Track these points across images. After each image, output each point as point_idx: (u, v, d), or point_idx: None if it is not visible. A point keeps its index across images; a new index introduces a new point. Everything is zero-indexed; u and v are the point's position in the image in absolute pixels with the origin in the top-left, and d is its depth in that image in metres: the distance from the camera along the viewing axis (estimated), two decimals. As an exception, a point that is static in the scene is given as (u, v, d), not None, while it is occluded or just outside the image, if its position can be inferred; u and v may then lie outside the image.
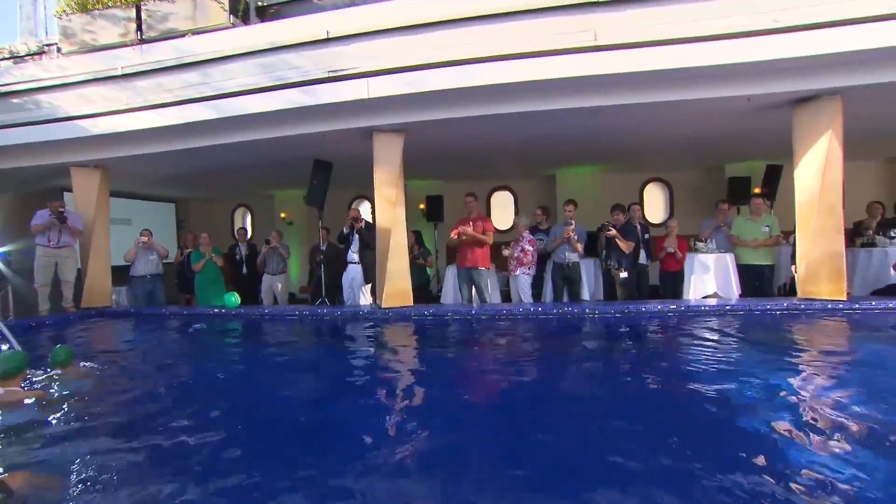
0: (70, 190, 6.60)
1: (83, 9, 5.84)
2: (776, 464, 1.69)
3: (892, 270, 4.85)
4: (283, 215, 9.45)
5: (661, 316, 4.71)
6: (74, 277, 6.04)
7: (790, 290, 5.62)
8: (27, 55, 6.87)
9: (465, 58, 4.41)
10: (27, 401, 2.48)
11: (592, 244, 5.89)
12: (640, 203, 8.13)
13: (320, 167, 5.85)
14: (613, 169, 8.33)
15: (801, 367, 3.01)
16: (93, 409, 2.51)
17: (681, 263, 5.67)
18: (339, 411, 2.52)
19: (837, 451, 1.77)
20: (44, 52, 6.66)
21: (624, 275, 5.36)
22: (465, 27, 4.44)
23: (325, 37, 4.67)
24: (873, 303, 4.42)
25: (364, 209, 8.25)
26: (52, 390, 2.72)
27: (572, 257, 5.43)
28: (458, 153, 6.55)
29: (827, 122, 4.38)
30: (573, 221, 5.39)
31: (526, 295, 5.45)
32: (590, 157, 7.38)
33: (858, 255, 5.35)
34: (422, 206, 8.59)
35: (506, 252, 5.63)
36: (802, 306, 4.47)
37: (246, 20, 5.75)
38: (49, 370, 2.95)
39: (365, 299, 5.80)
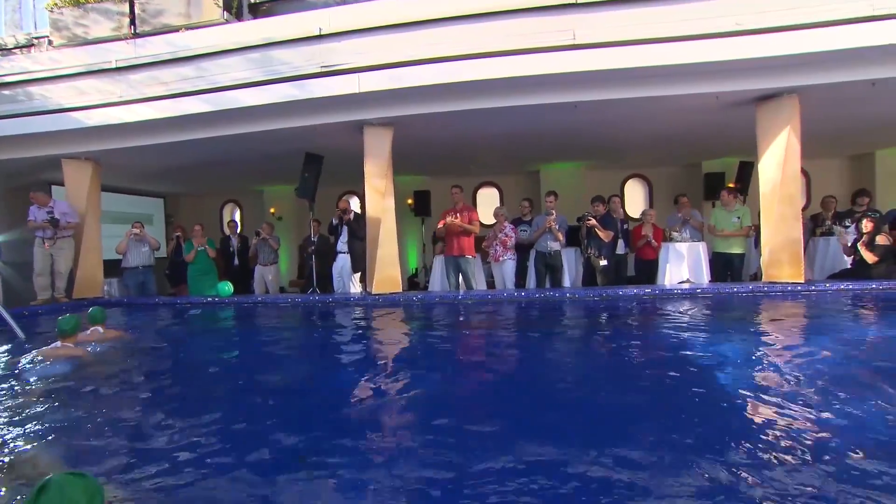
0: (59, 183, 6.65)
1: (75, 2, 5.92)
2: (738, 413, 1.95)
3: (845, 256, 5.24)
4: (272, 210, 9.56)
5: (638, 299, 5.01)
6: (68, 269, 6.10)
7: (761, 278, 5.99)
8: (15, 47, 6.90)
9: (451, 55, 4.65)
10: (81, 354, 3.08)
11: (575, 235, 6.17)
12: (621, 196, 8.46)
13: (311, 160, 6.02)
14: (595, 165, 8.65)
15: (761, 337, 3.31)
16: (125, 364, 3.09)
17: (656, 252, 5.99)
18: (342, 379, 2.74)
19: (788, 401, 2.01)
20: (33, 45, 6.69)
21: (603, 263, 5.64)
22: (451, 25, 4.69)
23: (317, 33, 4.86)
24: (827, 285, 4.80)
25: (353, 204, 8.43)
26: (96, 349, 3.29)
27: (554, 246, 5.71)
28: (445, 148, 6.78)
29: (786, 118, 4.73)
30: (554, 212, 5.66)
31: (510, 280, 5.71)
32: (572, 152, 7.68)
33: (818, 244, 5.75)
34: (409, 202, 8.80)
35: (485, 244, 5.89)
36: (766, 289, 4.81)
37: (239, 17, 5.90)
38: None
39: (354, 287, 5.99)
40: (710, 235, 5.96)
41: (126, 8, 5.84)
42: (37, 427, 1.98)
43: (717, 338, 3.24)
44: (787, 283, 4.75)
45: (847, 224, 5.57)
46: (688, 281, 5.68)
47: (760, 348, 2.96)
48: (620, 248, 6.18)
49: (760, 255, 5.21)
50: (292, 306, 5.56)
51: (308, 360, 3.26)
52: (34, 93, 5.73)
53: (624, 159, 8.39)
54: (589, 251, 5.77)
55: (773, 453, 1.50)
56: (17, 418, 2.07)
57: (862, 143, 7.37)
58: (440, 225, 5.65)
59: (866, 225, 4.92)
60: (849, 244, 5.12)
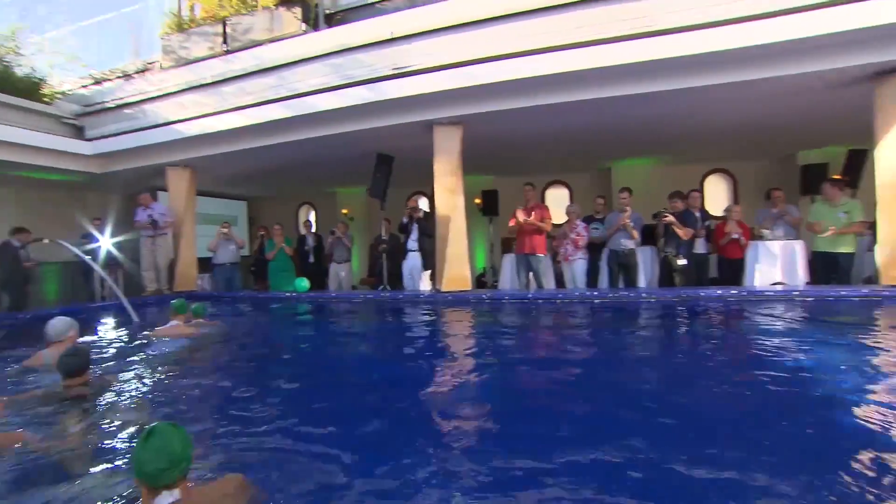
0: (163, 189, 7.49)
1: (180, 28, 6.66)
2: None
3: None
4: (344, 211, 10.02)
5: (724, 301, 4.60)
6: (167, 264, 6.87)
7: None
8: (135, 72, 7.85)
9: (521, 50, 4.60)
10: (193, 332, 3.54)
11: (650, 234, 5.82)
12: (701, 192, 7.84)
13: (382, 160, 6.23)
14: (672, 160, 8.11)
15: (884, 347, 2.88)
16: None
17: (743, 250, 5.48)
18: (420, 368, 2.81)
19: None
20: (147, 69, 7.58)
21: (682, 261, 5.27)
22: (521, 21, 4.65)
23: (388, 37, 5.04)
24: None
25: (421, 205, 8.60)
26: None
27: (628, 244, 5.43)
28: (514, 146, 6.71)
29: (914, 95, 4.11)
30: (628, 208, 5.39)
31: (581, 280, 5.51)
32: (647, 147, 7.26)
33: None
34: (477, 201, 8.80)
35: (555, 243, 5.73)
36: (886, 293, 4.20)
37: (316, 27, 6.29)
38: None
39: (424, 285, 6.10)
40: (810, 233, 5.32)
41: (220, 28, 6.45)
42: (154, 388, 2.26)
43: (830, 347, 2.87)
44: (915, 286, 4.11)
45: None
46: (781, 283, 5.13)
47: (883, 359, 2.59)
48: (701, 247, 5.72)
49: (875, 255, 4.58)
50: (364, 302, 5.79)
51: (382, 351, 3.39)
52: (147, 110, 6.52)
53: (703, 153, 7.77)
54: (666, 250, 5.42)
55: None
56: (144, 381, 2.38)
57: None
58: (511, 223, 5.59)
59: None
60: None
